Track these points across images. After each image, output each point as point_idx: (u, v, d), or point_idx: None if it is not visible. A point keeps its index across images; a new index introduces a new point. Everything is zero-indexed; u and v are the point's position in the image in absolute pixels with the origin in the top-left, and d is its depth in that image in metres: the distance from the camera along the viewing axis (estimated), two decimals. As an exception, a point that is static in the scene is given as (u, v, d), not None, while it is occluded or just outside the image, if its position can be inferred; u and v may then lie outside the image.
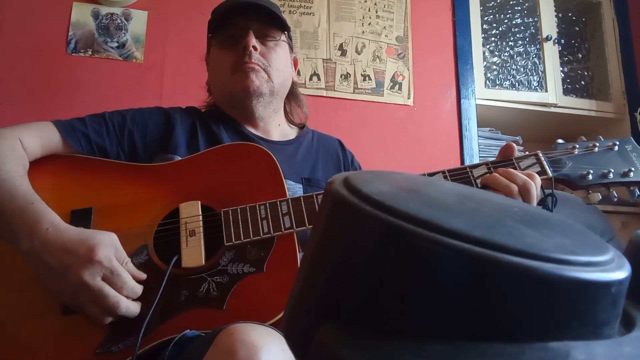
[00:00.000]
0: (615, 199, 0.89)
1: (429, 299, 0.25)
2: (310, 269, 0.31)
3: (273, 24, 1.06)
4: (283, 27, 1.07)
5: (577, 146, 0.90)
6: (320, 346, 0.26)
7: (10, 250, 0.83)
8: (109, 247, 0.76)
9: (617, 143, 0.90)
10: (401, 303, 0.25)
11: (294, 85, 1.15)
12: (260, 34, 1.04)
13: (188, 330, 0.75)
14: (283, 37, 1.08)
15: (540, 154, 0.89)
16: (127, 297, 0.76)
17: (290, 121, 1.17)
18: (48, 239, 0.75)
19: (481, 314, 0.24)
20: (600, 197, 0.90)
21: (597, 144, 0.90)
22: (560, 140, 0.92)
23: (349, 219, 0.28)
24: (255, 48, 1.01)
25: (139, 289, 0.77)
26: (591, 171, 0.87)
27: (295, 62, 1.18)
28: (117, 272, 0.75)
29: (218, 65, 1.07)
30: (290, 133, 1.14)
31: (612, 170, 0.87)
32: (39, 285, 0.81)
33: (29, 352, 0.77)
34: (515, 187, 0.80)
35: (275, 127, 1.11)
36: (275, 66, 1.04)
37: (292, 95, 1.16)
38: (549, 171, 0.87)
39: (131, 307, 0.76)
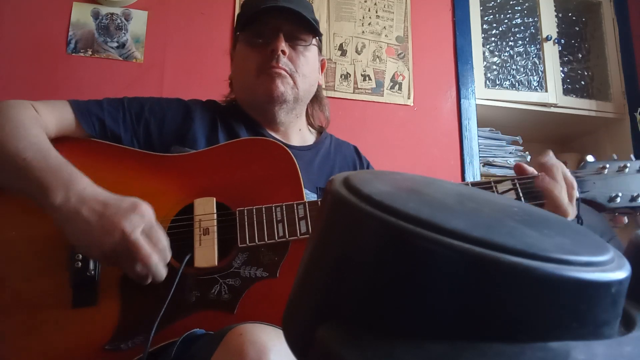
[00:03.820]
0: None
1: (429, 299, 0.25)
2: (310, 269, 0.31)
3: (305, 27, 1.02)
4: (315, 31, 1.04)
5: (608, 166, 0.85)
6: (320, 346, 0.26)
7: (20, 239, 0.82)
8: (149, 206, 0.75)
9: None
10: (401, 303, 0.25)
11: (319, 89, 1.12)
12: (290, 37, 1.01)
13: (197, 329, 0.74)
14: (314, 41, 1.05)
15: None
16: (158, 255, 0.74)
17: (310, 125, 1.15)
18: (86, 195, 0.74)
19: (481, 314, 0.24)
20: (627, 221, 0.85)
21: (629, 165, 0.85)
22: (590, 158, 0.87)
23: (349, 219, 0.28)
24: (284, 52, 0.98)
25: (169, 253, 0.75)
26: (620, 194, 0.82)
27: (322, 65, 1.14)
28: (155, 229, 0.74)
29: (243, 64, 1.04)
30: (310, 138, 1.12)
31: None
32: (48, 276, 0.80)
33: (37, 344, 0.77)
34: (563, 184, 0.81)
35: (296, 132, 1.09)
36: (303, 72, 1.01)
37: (316, 99, 1.14)
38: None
39: (160, 268, 0.73)
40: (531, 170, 0.86)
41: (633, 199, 0.83)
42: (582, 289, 0.25)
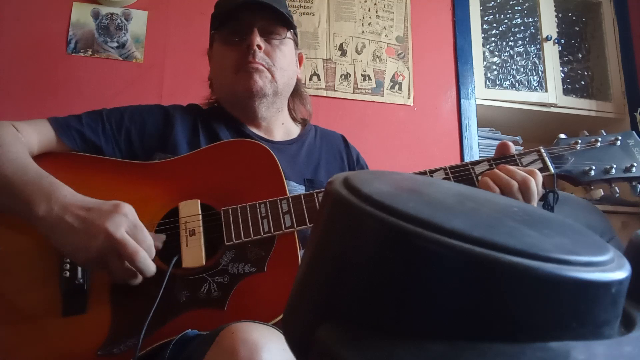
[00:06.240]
0: (617, 195, 0.87)
1: (429, 299, 0.25)
2: (310, 269, 0.31)
3: (279, 21, 1.03)
4: (289, 24, 1.05)
5: (580, 141, 0.89)
6: (321, 346, 0.26)
7: (9, 253, 0.83)
8: (132, 207, 0.76)
9: (620, 138, 0.89)
10: (401, 303, 0.25)
11: (298, 83, 1.13)
12: (265, 32, 1.01)
13: (189, 329, 0.75)
14: (288, 34, 1.06)
15: (543, 150, 0.88)
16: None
17: (293, 118, 1.15)
18: (68, 202, 0.75)
19: (481, 314, 0.24)
20: (602, 194, 0.88)
21: (600, 139, 0.88)
22: (562, 135, 0.91)
23: (349, 219, 0.28)
24: (259, 47, 0.99)
25: (153, 249, 0.77)
26: (593, 167, 0.85)
27: (300, 59, 1.14)
28: (139, 226, 0.75)
29: (221, 62, 1.05)
30: (294, 131, 1.12)
31: (615, 166, 0.85)
32: (37, 286, 0.80)
33: (29, 355, 0.77)
34: (515, 184, 0.79)
35: (279, 126, 1.09)
36: (280, 65, 1.02)
37: (296, 93, 1.14)
38: (550, 167, 0.86)
39: (148, 262, 0.74)
40: (513, 151, 0.89)
41: (606, 171, 0.85)
42: (582, 289, 0.25)
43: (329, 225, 0.30)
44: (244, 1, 0.99)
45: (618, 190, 0.88)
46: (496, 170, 0.82)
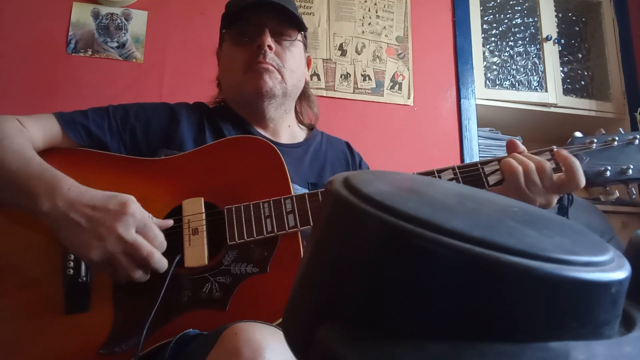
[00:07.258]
0: (634, 196, 0.83)
1: (429, 299, 0.25)
2: (310, 269, 0.31)
3: (290, 22, 1.03)
4: (300, 26, 1.04)
5: (595, 140, 0.84)
6: (321, 346, 0.26)
7: (13, 250, 0.83)
8: (137, 203, 0.76)
9: (638, 136, 0.84)
10: (401, 303, 0.25)
11: (306, 85, 1.13)
12: (275, 32, 1.01)
13: (190, 329, 0.74)
14: (299, 37, 1.05)
15: (556, 149, 0.84)
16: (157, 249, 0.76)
17: (300, 122, 1.15)
18: (72, 197, 0.75)
19: (481, 314, 0.24)
20: (618, 195, 0.84)
21: (617, 138, 0.84)
22: (577, 134, 0.87)
23: (349, 219, 0.28)
24: (270, 47, 0.98)
25: (165, 243, 0.78)
26: (609, 167, 0.82)
27: (308, 62, 1.14)
28: (149, 225, 0.76)
29: (230, 62, 1.04)
30: (300, 134, 1.12)
31: (632, 166, 0.81)
32: (40, 284, 0.80)
33: (31, 353, 0.77)
34: (531, 164, 0.79)
35: (285, 128, 1.09)
36: (290, 67, 1.01)
37: (304, 96, 1.14)
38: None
39: (162, 261, 0.75)
40: (522, 148, 0.87)
41: (622, 171, 0.82)
42: (582, 289, 0.25)
43: (329, 225, 0.30)
44: (256, 1, 0.99)
45: (635, 192, 0.84)
46: (513, 154, 0.83)
